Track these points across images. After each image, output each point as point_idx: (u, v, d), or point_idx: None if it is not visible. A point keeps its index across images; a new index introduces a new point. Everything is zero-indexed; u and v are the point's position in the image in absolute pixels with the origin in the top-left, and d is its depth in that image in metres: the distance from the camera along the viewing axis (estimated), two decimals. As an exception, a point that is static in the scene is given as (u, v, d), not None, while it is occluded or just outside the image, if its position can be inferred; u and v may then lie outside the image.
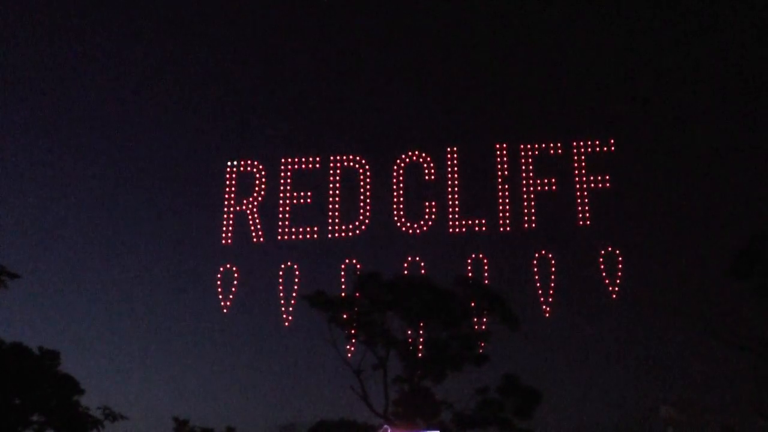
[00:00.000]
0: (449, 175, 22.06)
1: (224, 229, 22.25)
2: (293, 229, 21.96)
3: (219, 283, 22.00)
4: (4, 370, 15.56)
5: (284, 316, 21.81)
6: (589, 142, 21.57)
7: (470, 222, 21.68)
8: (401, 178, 22.18)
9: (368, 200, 22.14)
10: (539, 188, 21.58)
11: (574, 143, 21.62)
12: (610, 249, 20.99)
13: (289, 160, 22.61)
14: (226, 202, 22.48)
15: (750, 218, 23.88)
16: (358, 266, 22.32)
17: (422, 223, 21.73)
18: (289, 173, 22.52)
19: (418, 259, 21.87)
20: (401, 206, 21.90)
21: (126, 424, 16.77)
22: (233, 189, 22.61)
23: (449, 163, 22.18)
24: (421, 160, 22.21)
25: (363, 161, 22.48)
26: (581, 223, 21.16)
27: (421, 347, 23.42)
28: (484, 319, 23.30)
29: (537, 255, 21.32)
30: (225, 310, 22.05)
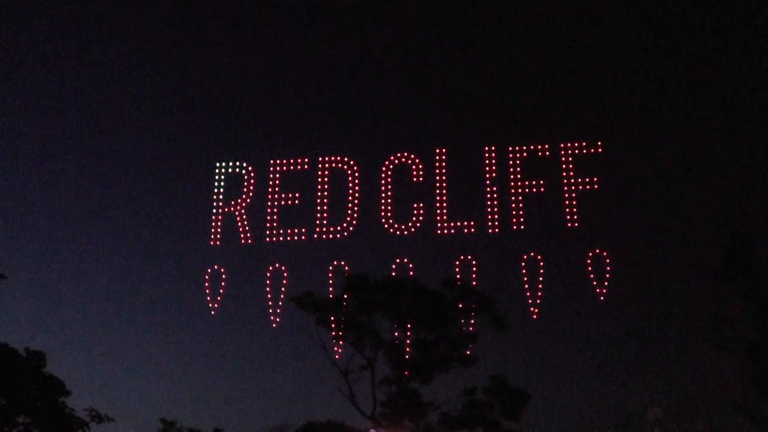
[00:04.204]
0: (437, 177, 22.04)
1: (212, 230, 22.18)
2: (281, 231, 21.92)
3: (207, 284, 21.96)
4: (-10, 371, 15.50)
5: (272, 317, 21.77)
6: (577, 144, 21.61)
7: (458, 223, 21.67)
8: (389, 179, 22.16)
9: (356, 201, 22.11)
10: (527, 190, 21.57)
11: (562, 145, 21.65)
12: (598, 251, 21.03)
13: (278, 161, 22.57)
14: (214, 204, 22.43)
15: (736, 220, 24.06)
16: (346, 268, 22.31)
17: (410, 224, 21.70)
18: (277, 174, 22.48)
19: (406, 260, 21.84)
20: (389, 207, 21.87)
21: (113, 426, 16.70)
22: (221, 190, 22.56)
23: (438, 164, 22.16)
24: (409, 161, 22.21)
25: (351, 162, 22.46)
26: (569, 224, 21.16)
27: (408, 348, 23.46)
28: (472, 321, 23.38)
29: (525, 256, 21.32)
30: (213, 312, 22.01)
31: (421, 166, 22.09)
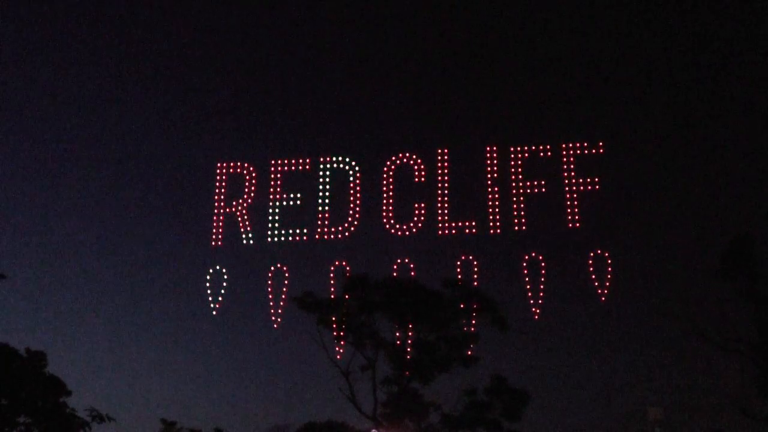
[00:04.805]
0: (439, 177, 22.06)
1: (214, 231, 22.19)
2: (282, 231, 21.93)
3: (208, 284, 21.96)
4: (-9, 371, 15.48)
5: (273, 317, 21.78)
6: (578, 145, 21.61)
7: (460, 224, 21.68)
8: (391, 179, 22.16)
9: (358, 202, 22.12)
10: (529, 190, 21.58)
11: (564, 145, 21.66)
12: (599, 251, 21.03)
13: (279, 161, 22.58)
14: (215, 204, 22.43)
15: (736, 220, 24.05)
16: (348, 268, 22.32)
17: (412, 224, 21.71)
18: (278, 175, 22.49)
19: (407, 260, 21.87)
20: (391, 208, 21.88)
21: (114, 426, 16.65)
22: (223, 191, 22.56)
23: (439, 164, 22.18)
24: (411, 161, 22.21)
25: (353, 163, 22.46)
26: (570, 225, 21.16)
27: (409, 349, 23.44)
28: (473, 321, 23.34)
29: (526, 257, 21.33)
30: (214, 312, 22.02)
31: (422, 167, 22.10)
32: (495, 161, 21.87)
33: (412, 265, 21.87)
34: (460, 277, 22.18)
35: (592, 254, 20.94)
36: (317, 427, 24.48)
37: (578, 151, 21.52)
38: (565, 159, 21.52)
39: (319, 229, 21.86)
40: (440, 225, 21.65)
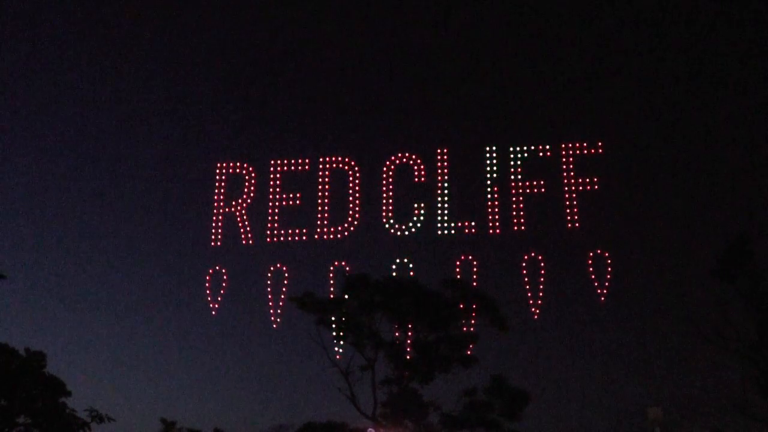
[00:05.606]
0: (439, 177, 22.06)
1: (213, 230, 22.21)
2: (282, 231, 21.95)
3: (208, 284, 21.97)
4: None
5: (273, 317, 21.79)
6: (578, 144, 21.62)
7: (459, 224, 21.69)
8: (390, 179, 22.17)
9: (357, 202, 22.14)
10: (528, 190, 21.59)
11: (563, 145, 21.66)
12: (598, 251, 21.04)
13: (278, 161, 22.60)
14: (215, 204, 22.45)
15: (736, 220, 24.05)
16: (347, 268, 22.33)
17: (411, 224, 21.72)
18: (278, 175, 22.51)
19: (406, 260, 21.87)
20: (390, 208, 21.90)
21: (113, 426, 16.69)
22: (222, 190, 22.57)
23: (439, 164, 22.19)
24: (410, 161, 22.22)
25: (352, 162, 22.48)
26: (570, 225, 21.17)
27: (409, 349, 23.44)
28: (473, 321, 23.34)
29: (526, 257, 21.34)
30: (214, 312, 22.04)
31: (422, 166, 22.11)
32: (494, 161, 21.87)
33: (411, 265, 21.87)
34: (459, 277, 22.18)
35: (591, 254, 20.95)
36: (317, 427, 24.46)
37: (578, 151, 21.53)
38: (564, 159, 21.53)
39: (318, 229, 21.87)
40: (440, 225, 21.66)
